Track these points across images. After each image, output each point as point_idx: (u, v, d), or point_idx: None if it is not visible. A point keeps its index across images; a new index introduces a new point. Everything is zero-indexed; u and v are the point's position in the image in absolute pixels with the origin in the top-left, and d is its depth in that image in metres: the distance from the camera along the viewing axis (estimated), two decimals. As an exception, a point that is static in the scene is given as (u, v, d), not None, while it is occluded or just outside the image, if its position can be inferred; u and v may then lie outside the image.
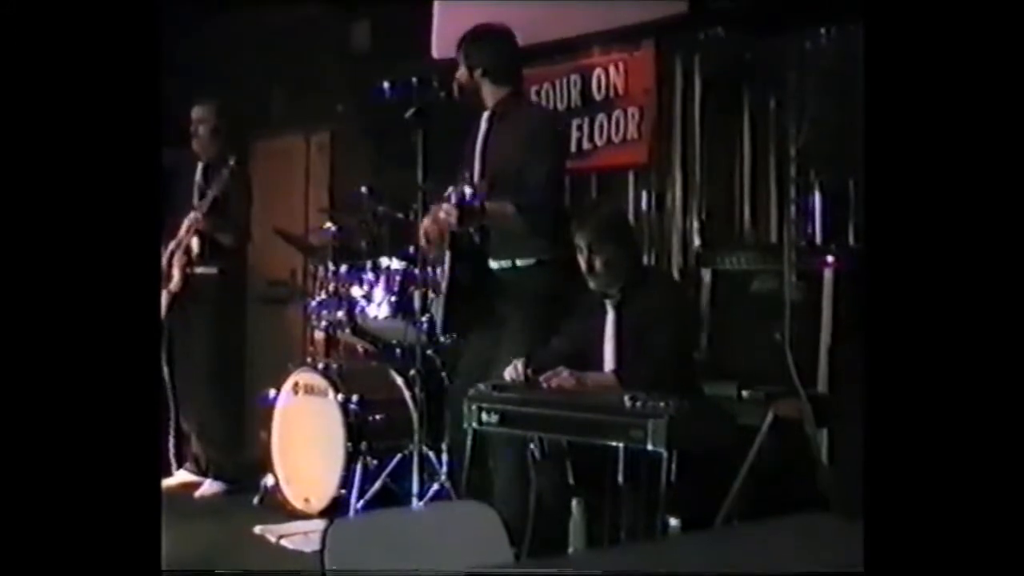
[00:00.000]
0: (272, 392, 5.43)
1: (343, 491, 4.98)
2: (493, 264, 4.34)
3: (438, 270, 4.58)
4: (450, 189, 4.15)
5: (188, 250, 5.64)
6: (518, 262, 4.29)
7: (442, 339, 5.11)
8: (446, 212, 4.15)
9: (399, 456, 4.91)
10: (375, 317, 5.23)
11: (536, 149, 4.26)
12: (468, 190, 4.02)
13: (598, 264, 3.89)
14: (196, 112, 5.76)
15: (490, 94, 4.45)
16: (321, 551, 2.09)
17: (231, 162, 5.60)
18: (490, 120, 4.46)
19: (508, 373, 3.90)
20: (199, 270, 5.66)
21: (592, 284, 3.93)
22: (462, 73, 4.49)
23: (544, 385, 3.75)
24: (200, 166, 5.74)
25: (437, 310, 4.53)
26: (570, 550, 3.64)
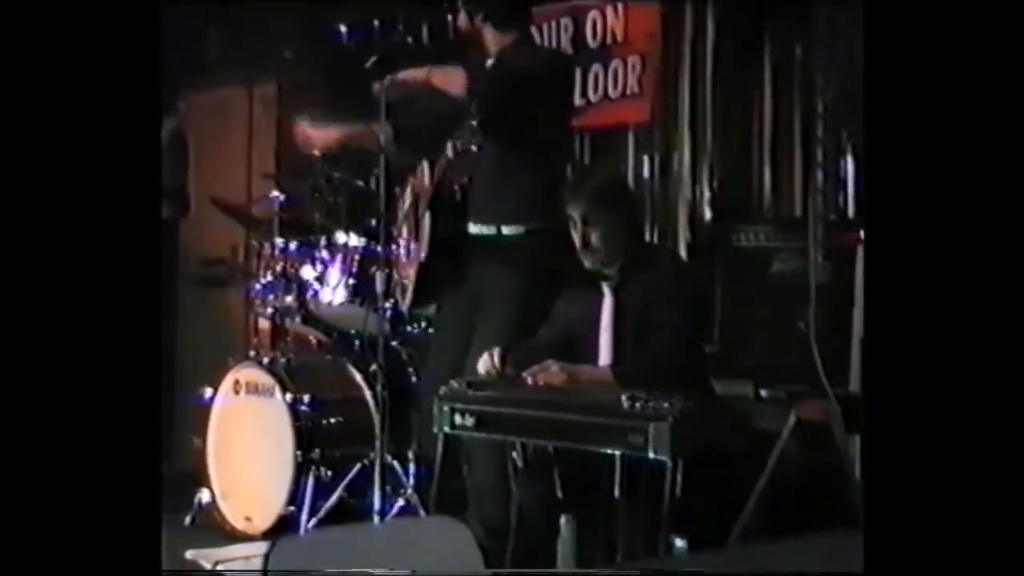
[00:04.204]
0: (208, 391, 5.43)
1: (292, 508, 5.00)
2: (473, 229, 4.38)
3: (400, 248, 4.61)
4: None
5: None
6: (504, 229, 4.34)
7: (409, 328, 5.14)
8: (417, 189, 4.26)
9: (358, 466, 4.93)
10: (330, 303, 5.24)
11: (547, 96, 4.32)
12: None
13: (594, 238, 3.91)
14: None
15: (493, 41, 4.49)
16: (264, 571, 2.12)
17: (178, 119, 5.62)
18: (493, 68, 4.49)
19: (482, 365, 3.92)
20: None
21: (587, 262, 3.96)
22: (462, 19, 4.52)
23: (529, 381, 3.77)
24: None
25: (407, 286, 4.57)
26: (559, 570, 3.67)
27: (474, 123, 3.99)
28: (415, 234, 4.57)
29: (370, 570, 2.20)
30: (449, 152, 4.11)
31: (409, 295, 4.57)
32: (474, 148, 4.02)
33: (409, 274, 4.59)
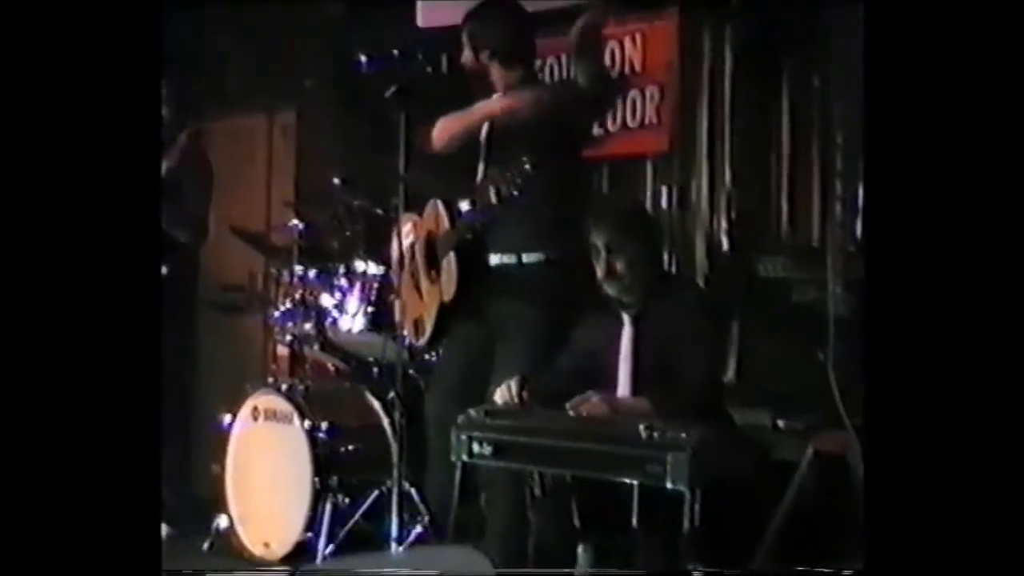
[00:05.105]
0: (227, 417, 5.45)
1: (309, 534, 5.00)
2: (493, 260, 4.39)
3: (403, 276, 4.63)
4: (465, 206, 4.22)
5: None
6: (523, 258, 4.34)
7: (427, 356, 5.15)
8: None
9: (376, 493, 4.94)
10: (348, 330, 5.26)
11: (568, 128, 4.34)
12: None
13: (619, 266, 3.91)
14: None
15: (500, 78, 4.50)
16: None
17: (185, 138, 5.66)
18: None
19: (500, 395, 3.93)
20: (148, 269, 5.67)
21: (610, 290, 3.96)
22: (467, 56, 4.54)
23: (572, 413, 3.76)
24: None
25: (423, 322, 4.58)
26: (576, 570, 3.66)
27: (527, 166, 3.95)
28: (429, 273, 4.55)
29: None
30: (492, 198, 4.07)
31: (428, 334, 4.57)
32: (516, 193, 3.98)
33: (423, 312, 4.58)
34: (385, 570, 2.27)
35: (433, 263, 4.53)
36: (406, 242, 4.66)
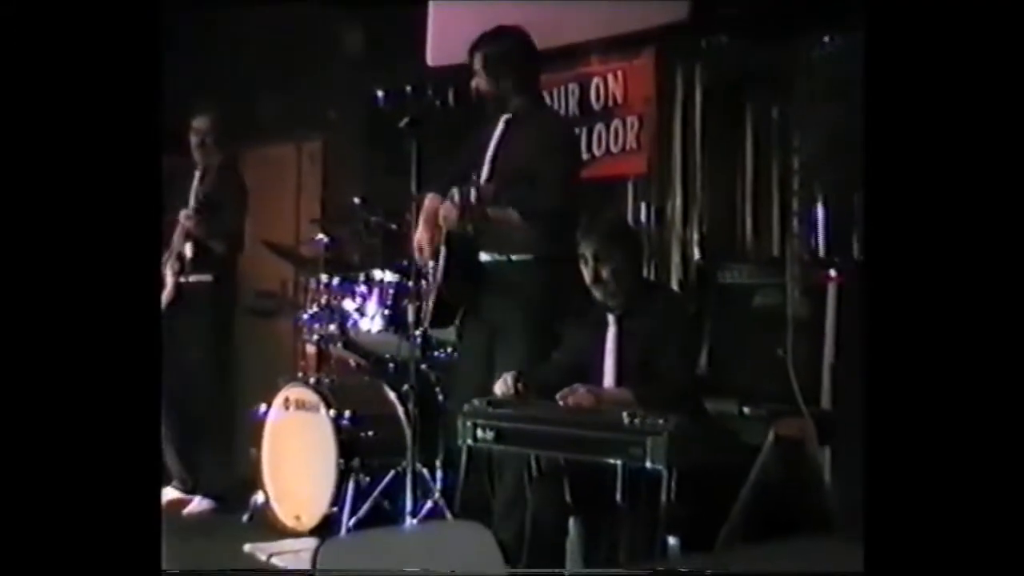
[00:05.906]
0: (263, 407, 5.45)
1: (335, 509, 5.00)
2: (485, 257, 4.36)
3: (428, 278, 4.61)
4: (453, 190, 4.17)
5: (181, 257, 5.68)
6: (513, 256, 4.31)
7: (437, 352, 5.15)
8: (445, 213, 4.19)
9: (392, 473, 4.93)
10: (368, 331, 5.26)
11: (551, 155, 4.28)
12: (473, 192, 4.04)
13: (605, 273, 3.90)
14: (200, 122, 5.78)
15: (508, 102, 4.46)
16: (312, 570, 2.12)
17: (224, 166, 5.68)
18: (507, 123, 4.47)
19: (498, 387, 3.93)
20: (192, 278, 5.69)
21: (597, 295, 3.95)
22: (488, 81, 4.44)
23: (561, 403, 3.75)
24: (198, 174, 5.79)
25: (426, 306, 4.56)
26: (566, 570, 3.66)
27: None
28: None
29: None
30: (457, 199, 4.03)
31: (427, 317, 4.55)
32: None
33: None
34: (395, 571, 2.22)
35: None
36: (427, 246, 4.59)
